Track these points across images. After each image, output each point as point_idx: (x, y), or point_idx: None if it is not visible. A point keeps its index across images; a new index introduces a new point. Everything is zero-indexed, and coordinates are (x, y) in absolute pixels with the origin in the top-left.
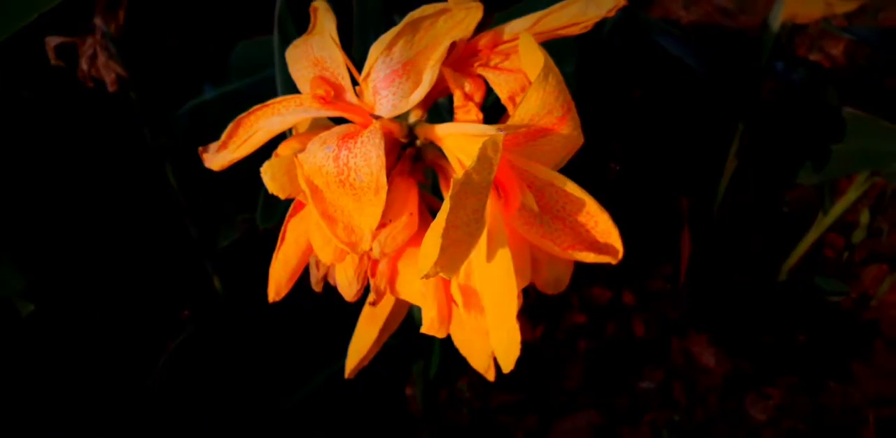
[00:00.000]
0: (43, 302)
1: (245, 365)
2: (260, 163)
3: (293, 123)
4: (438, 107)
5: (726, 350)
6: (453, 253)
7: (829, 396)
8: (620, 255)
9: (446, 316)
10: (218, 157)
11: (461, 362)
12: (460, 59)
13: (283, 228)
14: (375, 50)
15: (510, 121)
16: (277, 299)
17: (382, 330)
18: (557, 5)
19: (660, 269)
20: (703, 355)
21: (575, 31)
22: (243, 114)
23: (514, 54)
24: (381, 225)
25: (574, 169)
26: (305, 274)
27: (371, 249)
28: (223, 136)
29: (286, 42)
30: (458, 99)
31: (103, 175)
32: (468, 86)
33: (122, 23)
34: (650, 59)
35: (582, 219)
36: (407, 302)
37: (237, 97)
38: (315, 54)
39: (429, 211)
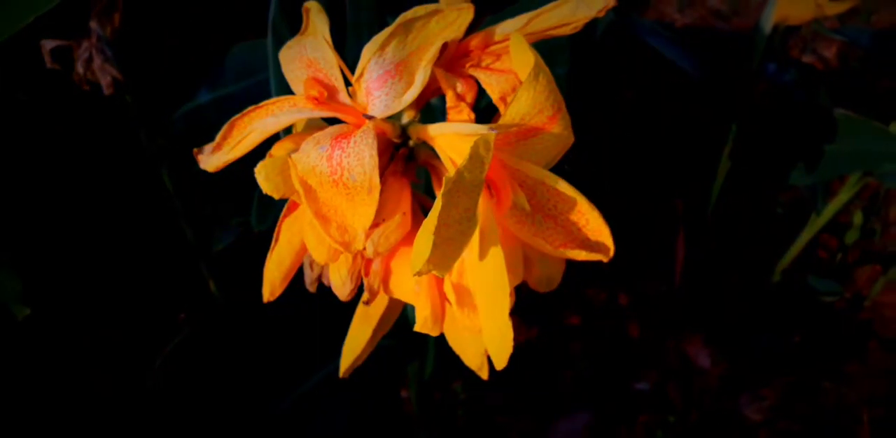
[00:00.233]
0: (39, 306)
1: (240, 366)
2: (255, 166)
3: (287, 124)
4: (431, 108)
5: (721, 351)
6: (445, 250)
7: (824, 396)
8: (612, 253)
9: (439, 315)
10: (213, 159)
11: (456, 363)
12: (452, 59)
13: (277, 228)
14: (368, 51)
15: (501, 121)
16: (272, 299)
17: (376, 330)
18: (548, 6)
19: (654, 271)
20: (698, 356)
21: (566, 31)
22: (237, 116)
23: (506, 55)
24: (375, 224)
25: (566, 169)
26: (300, 276)
27: (364, 248)
28: (217, 138)
29: (280, 44)
30: (450, 99)
31: (99, 178)
32: (460, 87)
33: (118, 26)
34: (643, 61)
35: (573, 217)
36: (401, 302)
37: (233, 100)
38: (308, 55)
39: (422, 210)
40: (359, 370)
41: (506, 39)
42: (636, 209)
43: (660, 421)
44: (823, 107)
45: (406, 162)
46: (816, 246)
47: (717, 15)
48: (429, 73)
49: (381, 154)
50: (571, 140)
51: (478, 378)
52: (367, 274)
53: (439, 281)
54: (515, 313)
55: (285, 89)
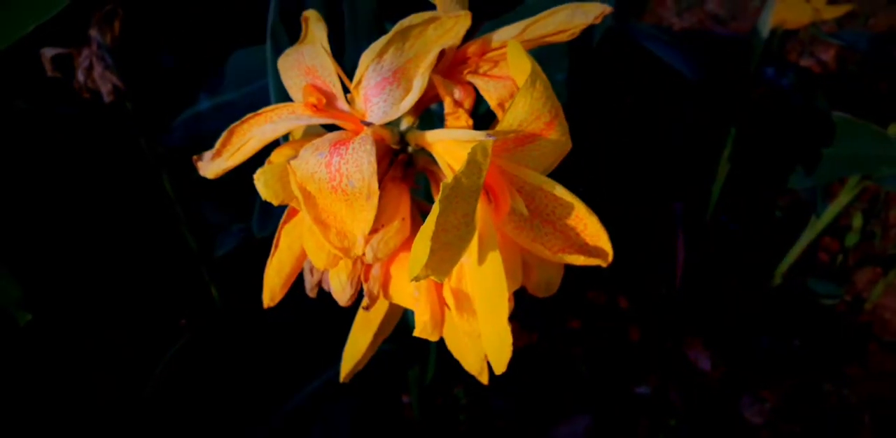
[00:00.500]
0: (42, 311)
1: (241, 371)
2: (256, 169)
3: (286, 131)
4: (430, 114)
5: (721, 354)
6: (443, 256)
7: (825, 399)
8: (610, 258)
9: (439, 320)
10: (212, 165)
11: (457, 368)
12: (450, 66)
13: (276, 235)
14: (366, 58)
15: (499, 127)
16: (272, 304)
17: (376, 335)
18: (544, 13)
19: (654, 274)
20: (699, 359)
21: (563, 38)
22: (236, 123)
23: (503, 61)
24: (374, 230)
25: (566, 174)
26: (300, 281)
27: (364, 254)
28: (217, 145)
29: (279, 51)
30: (448, 106)
31: (100, 185)
32: (458, 93)
33: (118, 34)
34: (641, 66)
35: (571, 222)
36: (401, 307)
37: (232, 107)
38: (306, 63)
39: (421, 216)
40: (359, 375)
41: (503, 46)
42: (636, 213)
43: (661, 425)
44: (821, 111)
45: (405, 168)
46: (816, 249)
47: (715, 19)
48: (427, 79)
49: (379, 160)
50: (569, 146)
51: (479, 382)
52: (366, 280)
53: (438, 287)
54: (516, 317)
55: (284, 96)
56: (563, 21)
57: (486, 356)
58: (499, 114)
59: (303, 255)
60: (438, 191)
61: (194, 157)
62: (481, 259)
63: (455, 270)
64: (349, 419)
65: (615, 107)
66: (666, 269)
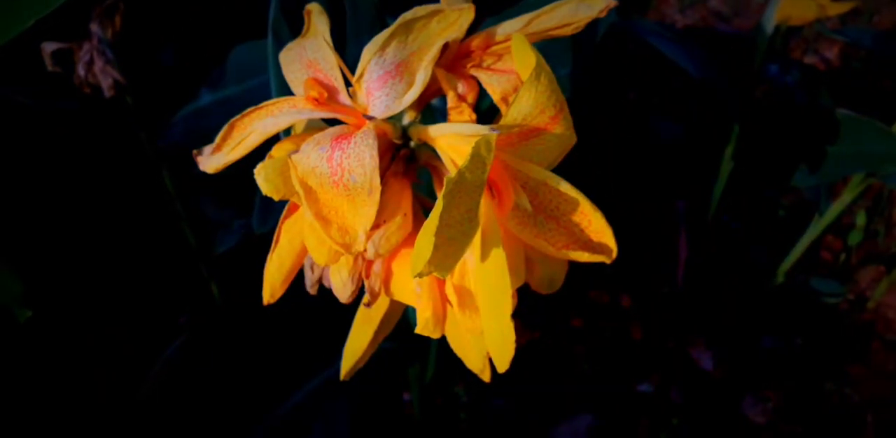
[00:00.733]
0: (42, 308)
1: (240, 369)
2: (256, 164)
3: (287, 125)
4: (432, 108)
5: (724, 352)
6: (446, 251)
7: (828, 398)
8: (615, 254)
9: (441, 317)
10: (212, 160)
11: (458, 365)
12: (453, 60)
13: (277, 230)
14: (368, 51)
15: (503, 121)
16: (272, 301)
17: (377, 332)
18: (549, 6)
19: (657, 272)
20: (701, 358)
21: (567, 31)
22: (237, 117)
23: (507, 55)
24: (376, 225)
25: (569, 170)
26: (300, 278)
27: (365, 250)
28: (217, 139)
29: (280, 45)
30: (451, 100)
31: (100, 181)
32: (461, 87)
33: (119, 28)
34: (645, 62)
35: (576, 218)
36: (402, 304)
37: (234, 101)
38: (308, 56)
39: (423, 211)
40: (360, 373)
41: (507, 40)
42: (639, 210)
43: (663, 424)
44: (826, 108)
45: (407, 163)
46: (819, 248)
47: (719, 16)
48: (430, 73)
49: (381, 155)
50: (574, 140)
51: (480, 380)
52: (367, 276)
53: (441, 283)
54: (518, 315)
55: (286, 90)
56: (567, 14)
57: (488, 354)
58: (502, 108)
59: (303, 251)
60: (441, 186)
61: (194, 152)
62: (484, 255)
63: (458, 266)
64: (349, 417)
65: (618, 102)
66: (668, 268)
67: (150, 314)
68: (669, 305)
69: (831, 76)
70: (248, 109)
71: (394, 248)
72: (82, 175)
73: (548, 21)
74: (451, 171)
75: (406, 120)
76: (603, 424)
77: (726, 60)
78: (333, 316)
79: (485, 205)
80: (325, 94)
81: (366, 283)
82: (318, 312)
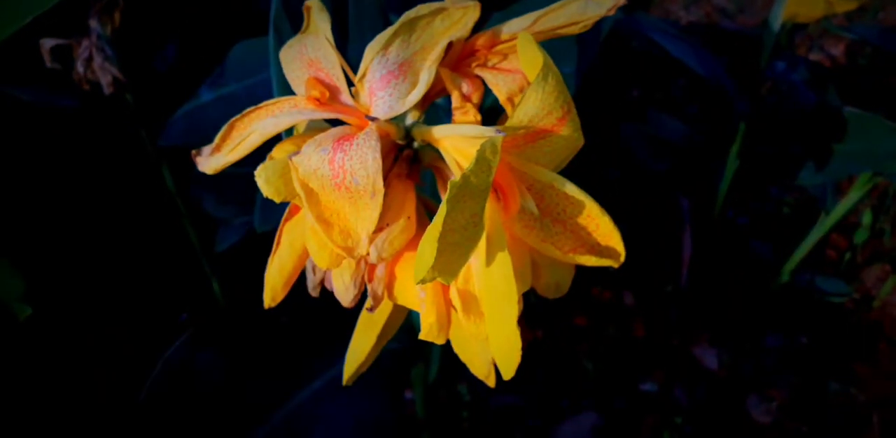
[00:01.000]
0: (42, 306)
1: (242, 369)
2: (258, 164)
3: (288, 126)
4: (436, 108)
5: (728, 351)
6: (450, 257)
7: (833, 398)
8: (622, 259)
9: (445, 322)
10: (211, 161)
11: (461, 365)
12: (458, 59)
13: (278, 233)
14: (371, 50)
15: (509, 123)
16: (273, 305)
17: (380, 337)
18: (556, 4)
19: (661, 270)
20: (705, 357)
21: (575, 30)
22: (237, 117)
23: (513, 54)
24: (379, 229)
25: (572, 169)
26: (303, 276)
27: (368, 254)
28: (217, 139)
29: (282, 42)
30: (455, 100)
31: (101, 178)
32: (466, 87)
33: (118, 25)
34: (649, 59)
35: (583, 221)
36: (405, 308)
37: (234, 99)
38: (309, 55)
39: (427, 214)
40: (362, 373)
41: (513, 38)
42: (643, 208)
43: (666, 422)
44: (833, 106)
45: (410, 164)
46: (825, 246)
47: (723, 12)
48: (434, 73)
49: (384, 156)
50: (581, 142)
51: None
52: (370, 280)
53: (445, 288)
54: (522, 314)
55: (287, 88)
56: (576, 12)
57: (493, 359)
58: (508, 108)
59: (305, 254)
60: (445, 188)
61: (193, 152)
62: (490, 260)
63: (462, 270)
64: (352, 419)
65: (623, 100)
66: (672, 266)
67: (150, 312)
68: (673, 303)
69: (837, 73)
70: (248, 109)
71: (397, 252)
72: (82, 172)
73: (555, 19)
74: (456, 173)
75: (409, 120)
76: (606, 423)
77: (731, 57)
78: (336, 314)
79: (490, 208)
80: (327, 94)
81: (368, 287)
82: (320, 311)
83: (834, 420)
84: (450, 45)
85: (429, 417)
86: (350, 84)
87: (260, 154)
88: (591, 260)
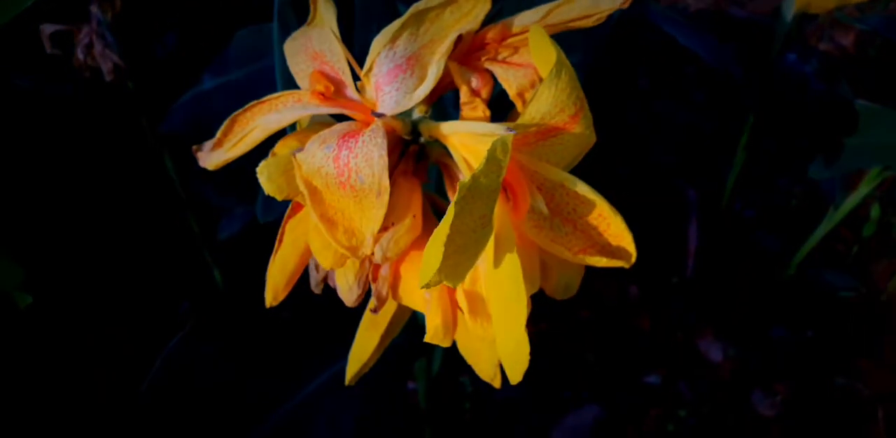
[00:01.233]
0: (41, 295)
1: (243, 364)
2: (261, 156)
3: (291, 121)
4: (443, 101)
5: (733, 345)
6: (458, 260)
7: (838, 392)
8: (633, 259)
9: (451, 324)
10: (212, 156)
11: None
12: (467, 52)
13: (280, 230)
14: (378, 43)
15: (520, 120)
16: (275, 303)
17: (384, 336)
18: None
19: (666, 263)
20: (710, 350)
21: (588, 23)
22: (239, 111)
23: (524, 48)
24: (384, 228)
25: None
26: (306, 268)
27: (373, 254)
28: (218, 134)
29: (286, 33)
30: (464, 95)
31: (102, 166)
32: (475, 82)
33: (119, 11)
34: (658, 49)
35: (593, 221)
36: (410, 308)
37: (237, 87)
38: (314, 48)
39: (433, 211)
40: None
41: (524, 31)
42: (649, 200)
43: (670, 416)
44: (844, 98)
45: (417, 160)
46: (832, 240)
47: (732, 0)
48: (442, 67)
49: (390, 152)
50: (593, 140)
51: None
52: (374, 280)
53: (451, 289)
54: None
55: (291, 80)
56: (589, 5)
57: (499, 361)
58: (518, 104)
59: (308, 252)
60: (452, 185)
61: (194, 148)
62: (498, 261)
63: (469, 271)
64: (355, 412)
65: (631, 91)
66: (677, 258)
67: (151, 301)
68: (678, 296)
69: (847, 64)
70: (251, 103)
71: (402, 252)
72: (82, 160)
73: (568, 12)
74: (464, 171)
75: (416, 114)
76: (610, 416)
77: (741, 47)
78: (339, 310)
79: (498, 208)
80: (332, 88)
81: (373, 287)
82: (323, 306)
83: (838, 414)
84: (459, 38)
85: (431, 408)
86: (356, 78)
87: (264, 145)
88: (601, 261)
